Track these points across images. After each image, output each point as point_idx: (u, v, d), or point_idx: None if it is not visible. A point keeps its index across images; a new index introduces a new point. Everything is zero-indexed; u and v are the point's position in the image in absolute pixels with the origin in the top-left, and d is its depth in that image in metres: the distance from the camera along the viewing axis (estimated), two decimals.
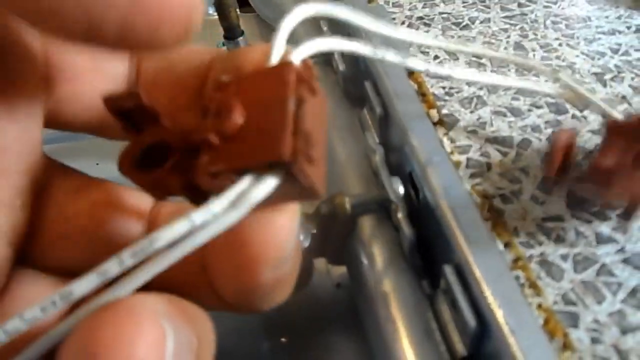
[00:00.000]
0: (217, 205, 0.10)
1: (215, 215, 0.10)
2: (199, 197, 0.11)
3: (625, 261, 0.20)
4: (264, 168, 0.10)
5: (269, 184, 0.10)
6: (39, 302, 0.10)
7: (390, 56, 0.21)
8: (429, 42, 0.22)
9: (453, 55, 0.29)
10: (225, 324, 0.29)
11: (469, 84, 0.27)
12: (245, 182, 0.10)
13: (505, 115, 0.26)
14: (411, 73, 0.28)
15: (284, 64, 0.11)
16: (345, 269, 0.27)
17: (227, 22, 0.27)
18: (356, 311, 0.27)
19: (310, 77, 0.11)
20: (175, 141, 0.11)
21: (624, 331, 0.18)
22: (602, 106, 0.23)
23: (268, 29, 0.45)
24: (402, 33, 0.22)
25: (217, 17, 0.47)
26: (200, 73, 0.13)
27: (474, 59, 0.29)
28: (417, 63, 0.22)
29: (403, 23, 0.32)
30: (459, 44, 0.23)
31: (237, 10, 0.28)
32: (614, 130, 0.20)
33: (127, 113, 0.12)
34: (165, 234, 0.10)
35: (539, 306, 0.19)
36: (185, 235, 0.10)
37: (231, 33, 0.28)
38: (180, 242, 0.11)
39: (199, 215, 0.10)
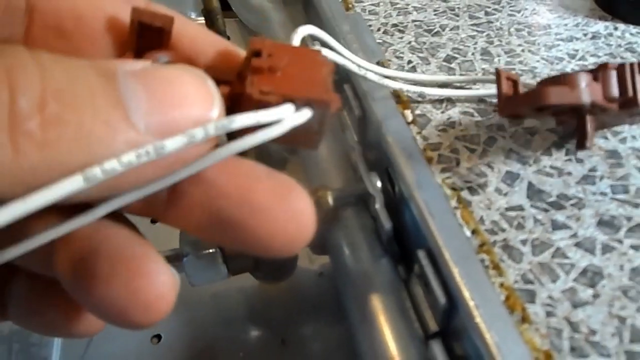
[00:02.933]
0: (272, 113, 0.12)
1: (271, 121, 0.12)
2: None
3: (577, 245, 0.22)
4: (304, 103, 0.13)
5: (306, 114, 0.13)
6: (136, 149, 0.11)
7: (371, 75, 0.23)
8: (410, 76, 0.24)
9: (425, 60, 0.31)
10: (213, 313, 0.31)
11: (440, 86, 0.29)
12: (288, 106, 0.13)
13: (472, 116, 0.28)
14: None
15: (315, 49, 0.14)
16: (327, 259, 0.29)
17: (215, 29, 0.29)
18: (338, 298, 0.29)
19: (332, 66, 0.14)
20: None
21: (575, 305, 0.20)
22: None
23: (249, 33, 0.47)
24: (378, 69, 0.25)
25: (199, 22, 0.49)
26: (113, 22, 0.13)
27: (444, 63, 0.31)
28: (392, 83, 0.24)
29: (379, 30, 0.34)
30: (435, 76, 0.25)
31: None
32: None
33: (144, 30, 0.13)
34: (242, 118, 0.12)
35: (501, 285, 0.21)
36: (252, 124, 0.12)
37: None
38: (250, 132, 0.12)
39: (263, 115, 0.12)
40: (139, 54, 0.13)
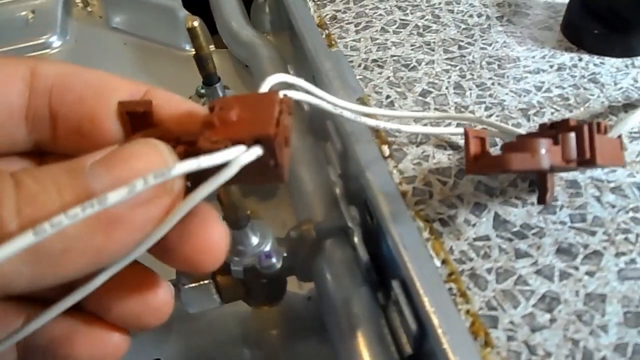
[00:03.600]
0: (218, 156, 0.14)
1: (215, 163, 0.14)
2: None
3: (538, 272, 0.24)
4: (252, 142, 0.15)
5: (255, 151, 0.15)
6: (81, 203, 0.13)
7: (347, 113, 0.25)
8: (386, 113, 0.26)
9: (402, 95, 0.34)
10: (206, 335, 0.33)
11: (415, 121, 0.32)
12: (238, 148, 0.15)
13: (445, 149, 0.30)
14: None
15: (272, 91, 0.16)
16: (314, 284, 0.31)
17: (206, 72, 0.31)
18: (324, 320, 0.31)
19: (289, 101, 0.16)
20: (170, 137, 0.16)
21: (533, 330, 0.22)
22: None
23: (239, 64, 0.49)
24: (354, 106, 0.27)
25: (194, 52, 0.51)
26: (99, 93, 0.16)
27: (420, 97, 0.33)
28: (369, 121, 0.26)
29: (359, 65, 0.36)
30: (411, 112, 0.28)
31: (214, 61, 0.32)
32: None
33: (132, 116, 0.16)
34: (179, 166, 0.14)
35: (467, 312, 0.23)
36: (193, 170, 0.14)
37: (209, 80, 0.32)
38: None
39: (205, 160, 0.14)
40: (133, 133, 0.16)
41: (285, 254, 0.27)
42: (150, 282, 0.18)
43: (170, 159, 0.15)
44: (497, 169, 0.23)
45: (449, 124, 0.31)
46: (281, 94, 0.17)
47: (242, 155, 0.14)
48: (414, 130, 0.29)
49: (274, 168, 0.15)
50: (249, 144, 0.15)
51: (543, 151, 0.21)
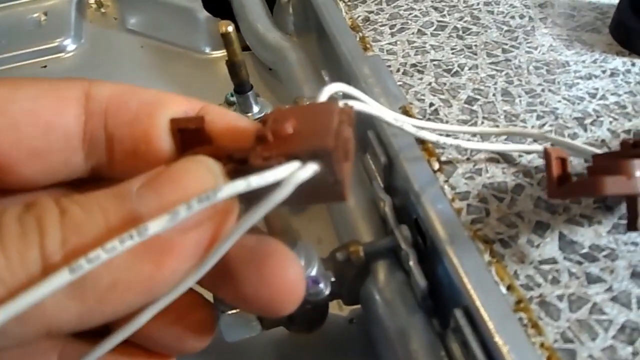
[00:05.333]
0: (270, 174, 0.13)
1: (267, 182, 0.13)
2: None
3: (614, 299, 0.22)
4: (309, 157, 0.13)
5: (312, 167, 0.13)
6: (119, 235, 0.12)
7: (407, 127, 0.23)
8: (444, 127, 0.24)
9: (447, 103, 0.32)
10: (243, 358, 0.31)
11: (479, 137, 0.30)
12: (292, 164, 0.13)
13: (498, 162, 0.28)
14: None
15: (331, 100, 0.15)
16: (356, 306, 0.29)
17: (238, 79, 0.29)
18: (368, 345, 0.29)
19: (349, 111, 0.14)
20: (222, 154, 0.14)
21: None
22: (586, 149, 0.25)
23: (261, 67, 0.47)
24: (414, 121, 0.25)
25: (214, 55, 0.49)
26: (153, 112, 0.16)
27: (466, 105, 0.31)
28: (429, 135, 0.24)
29: (398, 70, 0.34)
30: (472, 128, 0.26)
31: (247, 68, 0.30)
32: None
33: (184, 134, 0.15)
34: (226, 188, 0.13)
35: (542, 345, 0.21)
36: (242, 191, 0.13)
37: (242, 88, 0.30)
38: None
39: (255, 179, 0.13)
40: (184, 151, 0.15)
41: (333, 279, 0.25)
42: (192, 301, 0.18)
43: (219, 178, 0.14)
44: (588, 194, 0.21)
45: (498, 138, 0.29)
46: (341, 103, 0.15)
47: (297, 172, 0.13)
48: (486, 148, 0.27)
49: (334, 186, 0.14)
50: (305, 159, 0.13)
51: (638, 174, 0.19)
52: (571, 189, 0.21)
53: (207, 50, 0.49)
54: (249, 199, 0.14)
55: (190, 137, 0.15)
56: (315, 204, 0.16)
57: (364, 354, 0.29)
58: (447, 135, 0.28)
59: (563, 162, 0.22)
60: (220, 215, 0.14)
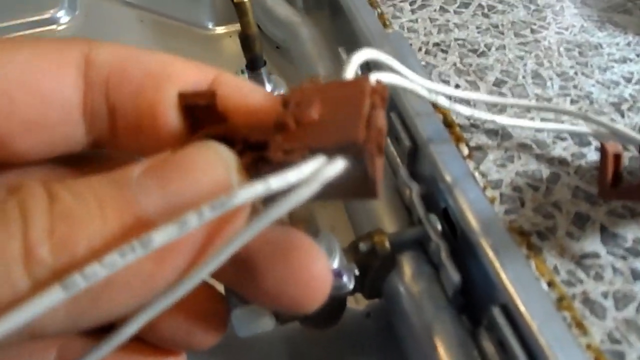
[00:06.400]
0: (292, 174, 0.11)
1: (289, 184, 0.11)
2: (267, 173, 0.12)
3: None
4: (336, 151, 0.11)
5: (339, 164, 0.11)
6: (118, 247, 0.11)
7: (441, 99, 0.21)
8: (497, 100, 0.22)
9: (474, 85, 0.30)
10: (255, 353, 0.29)
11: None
12: (317, 160, 0.11)
13: (531, 148, 0.26)
14: (434, 105, 0.29)
15: (362, 76, 0.13)
16: (373, 300, 0.28)
17: (252, 54, 0.27)
18: (386, 340, 0.28)
19: (383, 91, 0.12)
20: (237, 136, 0.13)
21: None
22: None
23: (268, 45, 0.45)
24: (437, 86, 0.23)
25: (218, 31, 0.47)
26: (159, 82, 0.14)
27: (494, 87, 0.29)
28: (462, 109, 0.22)
29: (420, 50, 0.32)
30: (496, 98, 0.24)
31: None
32: None
33: (194, 110, 0.14)
34: (243, 193, 0.11)
35: (588, 346, 0.19)
36: (261, 195, 0.11)
37: (255, 64, 0.28)
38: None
39: (275, 180, 0.11)
40: (194, 131, 0.14)
41: (356, 272, 0.23)
42: (204, 294, 0.16)
43: (233, 172, 0.12)
44: None
45: (531, 118, 0.27)
46: (372, 79, 0.13)
47: (322, 170, 0.11)
48: (530, 125, 0.25)
49: (364, 182, 0.12)
50: (332, 153, 0.11)
51: None
52: (628, 192, 0.19)
53: (211, 25, 0.46)
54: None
55: (201, 113, 0.14)
56: (342, 201, 0.14)
57: (381, 349, 0.27)
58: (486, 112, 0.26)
59: (618, 159, 0.20)
60: (230, 212, 0.12)
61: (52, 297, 0.10)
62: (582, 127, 0.25)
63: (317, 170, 0.11)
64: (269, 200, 0.12)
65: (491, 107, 0.28)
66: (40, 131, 0.14)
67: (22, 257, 0.10)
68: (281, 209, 0.11)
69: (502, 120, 0.23)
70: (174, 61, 0.14)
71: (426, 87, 0.20)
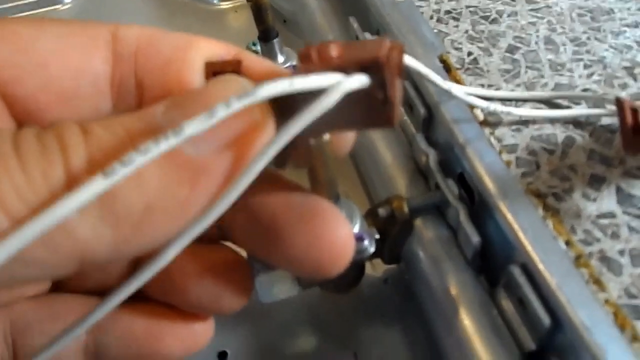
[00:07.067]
0: (315, 79, 0.12)
1: (311, 86, 0.12)
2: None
3: None
4: (358, 70, 0.12)
5: (360, 79, 0.12)
6: (154, 137, 0.11)
7: (455, 89, 0.22)
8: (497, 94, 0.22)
9: (486, 51, 0.30)
10: (276, 324, 0.30)
11: (506, 82, 0.28)
12: (338, 75, 0.12)
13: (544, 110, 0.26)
14: (449, 69, 0.29)
15: (380, 37, 0.14)
16: (390, 265, 0.28)
17: (264, 25, 0.27)
18: (404, 306, 0.28)
19: (400, 49, 0.13)
20: None
21: None
22: None
23: (278, 19, 0.45)
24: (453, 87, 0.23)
25: (223, 6, 0.46)
26: (186, 56, 0.15)
27: (507, 54, 0.29)
28: (478, 101, 0.23)
29: (431, 18, 0.32)
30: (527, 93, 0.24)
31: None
32: None
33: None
34: (268, 87, 0.12)
35: (606, 301, 0.20)
36: (285, 91, 0.12)
37: (267, 35, 0.28)
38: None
39: (299, 81, 0.12)
40: None
41: (377, 236, 0.23)
42: (230, 259, 0.17)
43: (249, 85, 0.13)
44: None
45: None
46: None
47: (344, 82, 0.12)
48: (547, 115, 0.25)
49: (383, 105, 0.12)
50: (353, 71, 0.12)
51: None
52: None
53: (216, 0, 0.46)
54: (285, 115, 0.12)
55: None
56: (358, 130, 0.15)
57: (399, 315, 0.28)
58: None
59: (635, 112, 0.20)
60: (254, 131, 0.13)
61: (96, 186, 0.10)
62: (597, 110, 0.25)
63: (339, 82, 0.12)
64: (289, 115, 0.12)
65: (504, 72, 0.28)
66: (72, 103, 0.14)
67: (64, 183, 0.11)
68: (305, 119, 0.12)
69: (520, 112, 0.24)
70: (199, 37, 0.15)
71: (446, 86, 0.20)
